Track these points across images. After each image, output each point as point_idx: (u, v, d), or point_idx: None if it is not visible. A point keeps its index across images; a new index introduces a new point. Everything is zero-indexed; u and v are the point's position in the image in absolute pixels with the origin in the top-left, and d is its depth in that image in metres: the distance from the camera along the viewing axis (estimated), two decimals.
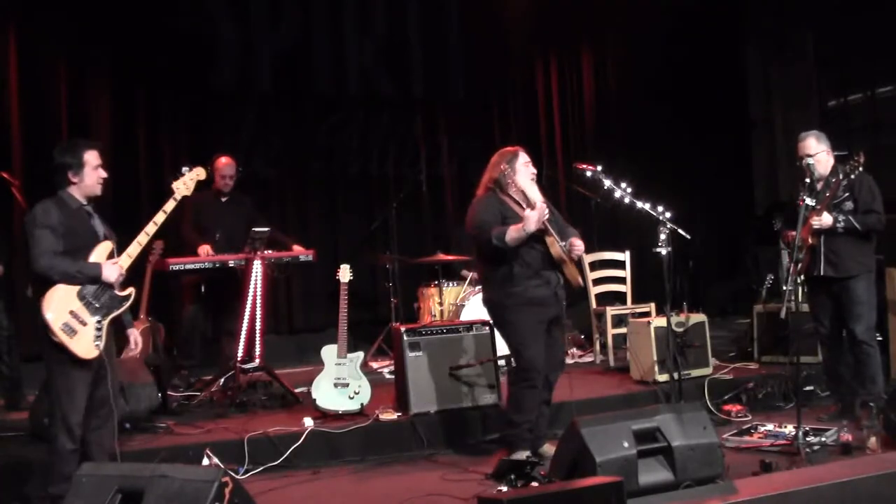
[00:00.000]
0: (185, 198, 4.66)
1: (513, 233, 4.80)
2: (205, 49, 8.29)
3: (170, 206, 4.49)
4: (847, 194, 5.45)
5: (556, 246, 4.91)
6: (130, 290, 4.40)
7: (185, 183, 4.60)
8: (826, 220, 5.35)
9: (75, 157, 4.30)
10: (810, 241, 5.43)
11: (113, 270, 4.25)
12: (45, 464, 4.42)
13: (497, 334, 5.50)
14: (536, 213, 4.75)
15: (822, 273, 5.49)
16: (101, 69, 7.78)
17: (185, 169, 4.68)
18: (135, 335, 4.60)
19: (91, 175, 4.32)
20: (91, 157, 4.33)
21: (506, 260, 4.91)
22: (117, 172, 7.64)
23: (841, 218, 5.39)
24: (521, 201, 4.99)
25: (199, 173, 4.69)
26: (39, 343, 4.23)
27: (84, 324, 4.18)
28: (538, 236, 4.88)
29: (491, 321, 5.49)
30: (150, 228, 4.42)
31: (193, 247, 6.59)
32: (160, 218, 4.45)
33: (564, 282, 5.04)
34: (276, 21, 8.72)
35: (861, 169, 5.25)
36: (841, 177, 5.31)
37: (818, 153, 5.50)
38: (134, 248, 4.37)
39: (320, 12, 8.92)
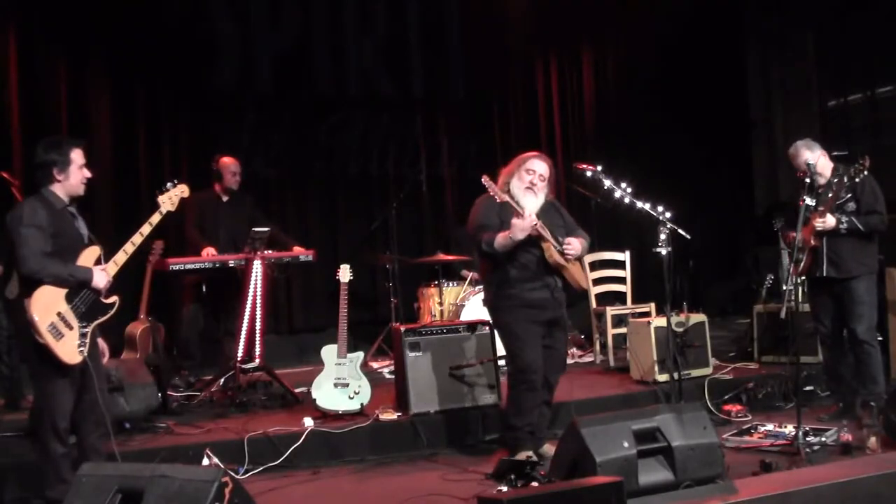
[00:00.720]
0: (188, 197, 4.66)
1: (500, 239, 4.81)
2: (205, 49, 8.29)
3: (155, 219, 4.44)
4: (849, 195, 5.45)
5: (551, 251, 4.88)
6: (115, 299, 4.33)
7: (171, 198, 4.55)
8: (830, 221, 5.35)
9: (62, 155, 4.22)
10: (812, 242, 5.43)
11: (102, 277, 4.19)
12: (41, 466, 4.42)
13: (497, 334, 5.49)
14: (521, 222, 4.72)
15: (824, 274, 5.49)
16: (101, 69, 7.79)
17: (169, 185, 4.63)
18: (101, 345, 4.51)
19: (76, 174, 4.25)
20: (77, 156, 4.26)
21: (502, 263, 4.91)
22: (117, 172, 7.73)
23: (844, 219, 5.39)
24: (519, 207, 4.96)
25: (183, 190, 4.63)
26: (25, 345, 4.17)
27: (70, 327, 4.12)
28: (534, 241, 4.87)
29: (491, 322, 5.49)
30: (137, 239, 4.37)
31: (197, 247, 6.59)
32: (146, 230, 4.40)
33: (564, 285, 5.03)
34: (276, 21, 8.73)
35: (866, 172, 5.25)
36: (845, 179, 5.31)
37: (816, 161, 5.49)
38: (121, 257, 4.32)
39: (320, 12, 8.92)
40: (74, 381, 4.19)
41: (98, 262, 4.27)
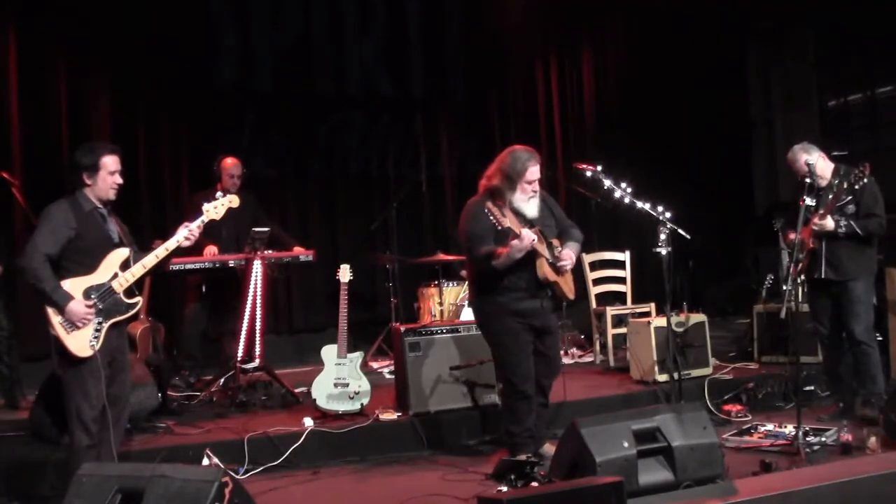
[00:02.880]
0: (190, 197, 4.66)
1: (502, 259, 4.73)
2: (205, 49, 8.29)
3: (195, 224, 4.46)
4: (850, 197, 5.45)
5: (543, 267, 4.83)
6: (138, 299, 4.37)
7: (216, 207, 4.58)
8: (829, 224, 5.35)
9: (91, 160, 4.28)
10: (811, 243, 5.44)
11: (77, 312, 4.13)
12: (55, 462, 4.46)
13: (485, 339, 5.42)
14: (520, 243, 4.64)
15: (822, 276, 5.51)
16: (101, 69, 7.77)
17: (219, 194, 4.73)
18: None
19: (106, 180, 4.30)
20: (108, 162, 4.31)
21: (493, 272, 4.83)
22: None
23: (843, 223, 5.39)
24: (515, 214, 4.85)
25: (233, 200, 4.67)
26: (39, 343, 4.23)
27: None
28: (529, 254, 4.79)
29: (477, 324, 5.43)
30: (171, 244, 4.38)
31: (199, 247, 6.58)
32: (181, 234, 4.40)
33: (552, 295, 4.98)
34: (276, 21, 8.72)
35: (866, 180, 5.25)
36: (845, 185, 5.31)
37: (815, 162, 5.49)
38: (150, 260, 4.35)
39: (320, 12, 8.92)
40: (97, 372, 4.19)
41: (125, 264, 4.31)
